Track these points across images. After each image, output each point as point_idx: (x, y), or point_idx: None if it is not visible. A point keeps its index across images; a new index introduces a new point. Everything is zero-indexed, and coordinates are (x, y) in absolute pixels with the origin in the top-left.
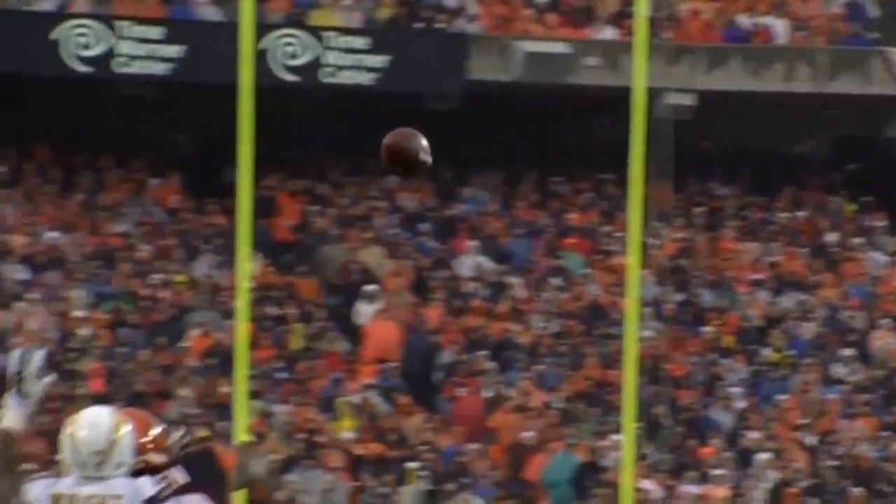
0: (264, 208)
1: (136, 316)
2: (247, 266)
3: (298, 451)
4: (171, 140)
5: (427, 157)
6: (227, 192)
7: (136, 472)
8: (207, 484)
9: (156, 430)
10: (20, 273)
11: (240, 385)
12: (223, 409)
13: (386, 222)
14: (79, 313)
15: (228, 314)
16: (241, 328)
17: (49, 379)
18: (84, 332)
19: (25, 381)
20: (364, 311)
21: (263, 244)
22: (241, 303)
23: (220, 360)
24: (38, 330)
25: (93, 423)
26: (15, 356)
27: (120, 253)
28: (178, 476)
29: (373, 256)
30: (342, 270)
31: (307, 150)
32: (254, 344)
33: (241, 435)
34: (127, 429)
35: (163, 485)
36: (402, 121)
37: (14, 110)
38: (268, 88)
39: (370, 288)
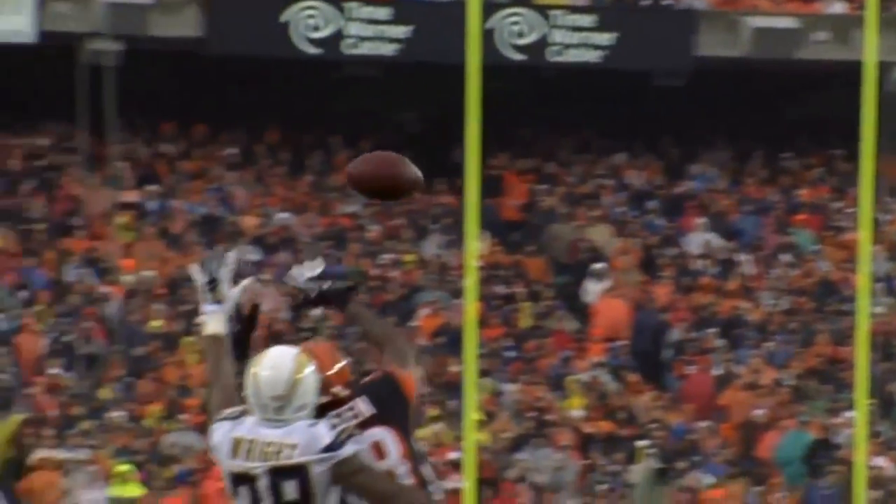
0: (492, 187)
1: (366, 296)
2: (475, 245)
3: (528, 430)
4: (398, 120)
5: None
6: (455, 171)
7: (324, 406)
8: (392, 413)
9: (340, 364)
10: (252, 254)
11: (469, 364)
12: (453, 388)
13: (614, 200)
14: None
15: (457, 293)
16: (470, 307)
17: (247, 281)
18: (315, 312)
19: (218, 286)
20: (592, 290)
21: (491, 223)
22: (470, 282)
23: (450, 339)
24: (270, 310)
25: (274, 365)
26: (200, 266)
27: (350, 233)
28: (364, 408)
29: (601, 234)
30: (570, 249)
31: (534, 129)
32: (483, 323)
33: (472, 413)
34: (309, 370)
35: (340, 429)
36: (629, 98)
37: (245, 92)
38: (495, 67)
39: (598, 266)
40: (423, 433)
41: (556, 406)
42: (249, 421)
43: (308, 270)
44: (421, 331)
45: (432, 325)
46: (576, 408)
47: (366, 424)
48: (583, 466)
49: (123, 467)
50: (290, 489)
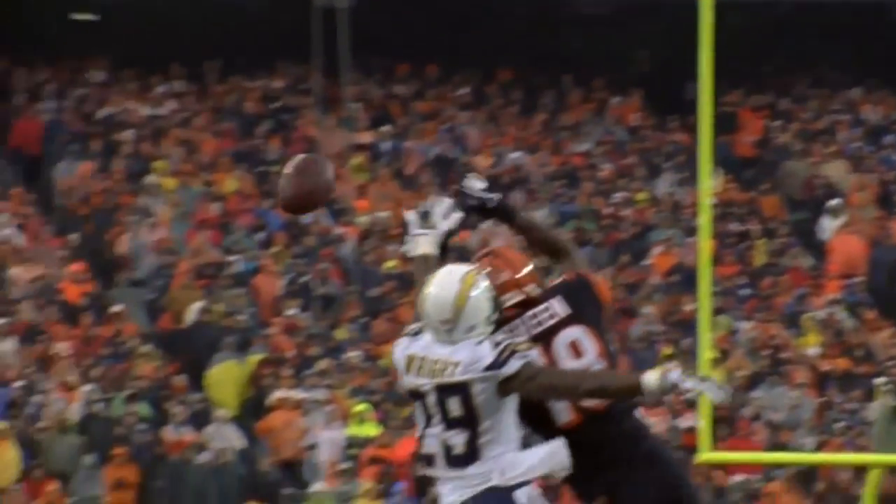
0: (726, 124)
1: (599, 234)
2: (709, 183)
3: (763, 368)
4: (631, 58)
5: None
6: (688, 108)
7: (520, 305)
8: (587, 312)
9: (529, 266)
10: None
11: (703, 302)
12: (687, 327)
13: (849, 136)
14: None
15: (691, 231)
16: (704, 245)
17: (457, 215)
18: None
19: (430, 217)
20: (828, 226)
21: (725, 160)
22: (704, 220)
23: (683, 278)
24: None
25: (442, 286)
26: (414, 213)
27: (582, 172)
28: (559, 308)
29: (836, 170)
30: (805, 185)
31: (768, 65)
32: (717, 261)
33: (707, 352)
34: (477, 290)
35: (502, 347)
36: (865, 32)
37: (477, 32)
38: (728, 3)
39: (834, 202)
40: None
41: (792, 344)
42: (426, 338)
43: (482, 182)
44: (654, 269)
45: (666, 263)
46: (812, 345)
47: (562, 324)
48: (819, 404)
49: (360, 407)
50: (455, 406)
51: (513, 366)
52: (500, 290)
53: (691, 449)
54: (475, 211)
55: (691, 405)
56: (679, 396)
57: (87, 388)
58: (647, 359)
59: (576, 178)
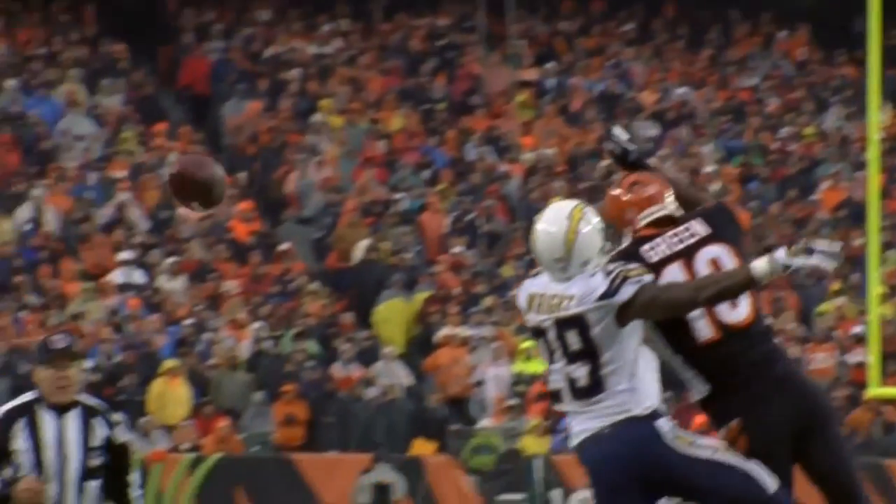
0: (895, 57)
1: (766, 170)
2: (877, 117)
3: None
4: None
5: (219, 188)
6: (856, 42)
7: (662, 222)
8: (727, 233)
9: (671, 191)
10: (650, 129)
11: (872, 237)
12: (856, 262)
13: None
14: (709, 168)
15: (859, 166)
16: (873, 179)
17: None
18: (713, 187)
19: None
20: None
21: (894, 94)
22: (872, 154)
23: (851, 213)
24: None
25: (551, 222)
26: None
27: (749, 107)
28: (699, 228)
29: None
30: None
31: None
32: (885, 195)
33: (876, 287)
34: (587, 226)
35: (614, 275)
36: None
37: None
38: None
39: None
40: (826, 307)
41: None
42: (544, 277)
43: (626, 133)
44: (822, 204)
45: (833, 198)
46: None
47: (703, 242)
48: None
49: (527, 343)
50: (574, 339)
51: (626, 292)
52: (646, 202)
53: (861, 384)
54: (616, 159)
55: (860, 341)
56: (791, 273)
57: (256, 325)
58: (815, 294)
59: (742, 114)
